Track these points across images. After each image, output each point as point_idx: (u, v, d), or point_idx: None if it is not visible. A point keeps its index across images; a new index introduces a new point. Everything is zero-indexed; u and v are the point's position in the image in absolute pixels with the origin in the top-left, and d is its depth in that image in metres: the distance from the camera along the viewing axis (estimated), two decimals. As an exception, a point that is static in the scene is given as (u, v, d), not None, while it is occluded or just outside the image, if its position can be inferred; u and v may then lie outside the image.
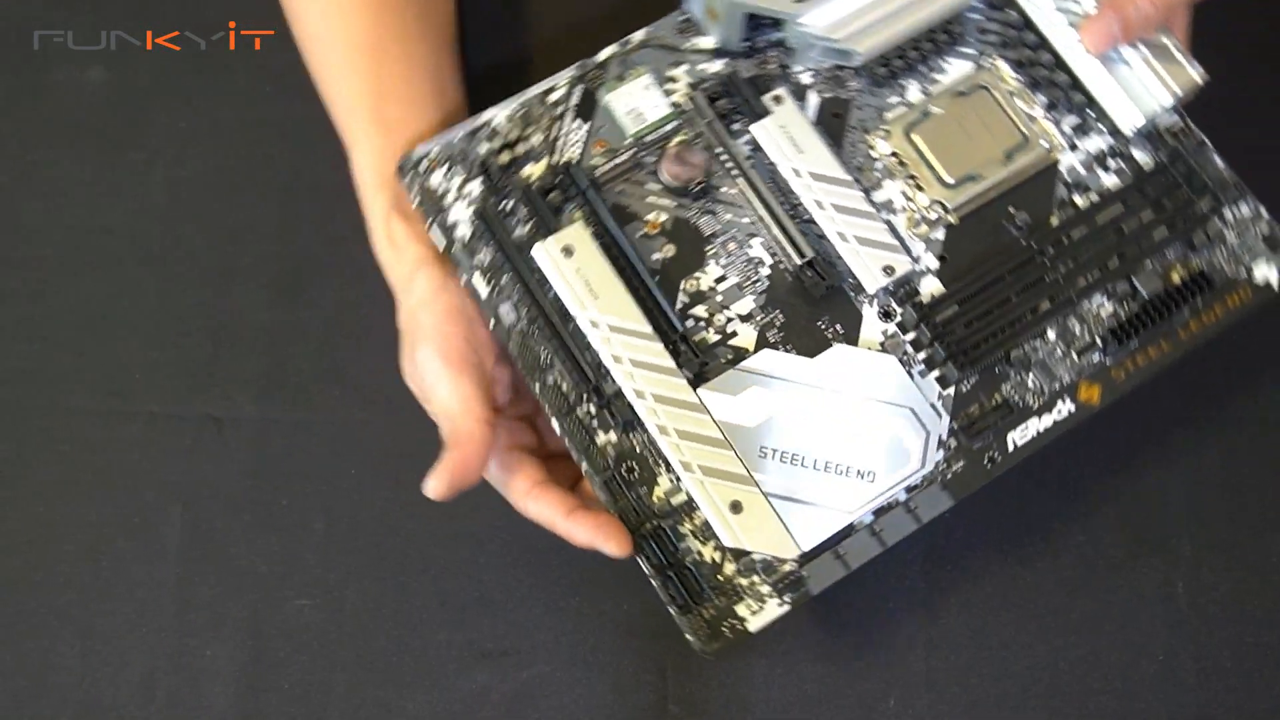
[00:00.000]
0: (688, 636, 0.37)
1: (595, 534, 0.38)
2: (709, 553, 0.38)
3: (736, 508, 0.37)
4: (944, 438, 0.39)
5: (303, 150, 0.54)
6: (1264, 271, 0.41)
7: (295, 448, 0.49)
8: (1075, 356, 0.40)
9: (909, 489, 0.38)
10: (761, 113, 0.40)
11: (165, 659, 0.47)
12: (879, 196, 0.41)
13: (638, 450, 0.38)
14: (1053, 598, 0.47)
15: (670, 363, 0.37)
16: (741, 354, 0.39)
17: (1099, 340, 0.40)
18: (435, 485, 0.39)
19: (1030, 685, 0.46)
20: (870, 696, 0.46)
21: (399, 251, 0.42)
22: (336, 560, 0.48)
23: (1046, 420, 0.39)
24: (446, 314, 0.40)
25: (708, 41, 0.42)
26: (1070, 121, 0.42)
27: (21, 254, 0.52)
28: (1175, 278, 0.41)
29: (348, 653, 0.47)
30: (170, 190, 0.53)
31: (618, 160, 0.40)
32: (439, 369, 0.40)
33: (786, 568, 0.38)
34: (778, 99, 0.41)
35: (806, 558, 0.37)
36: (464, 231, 0.40)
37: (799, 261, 0.39)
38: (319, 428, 0.50)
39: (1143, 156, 0.42)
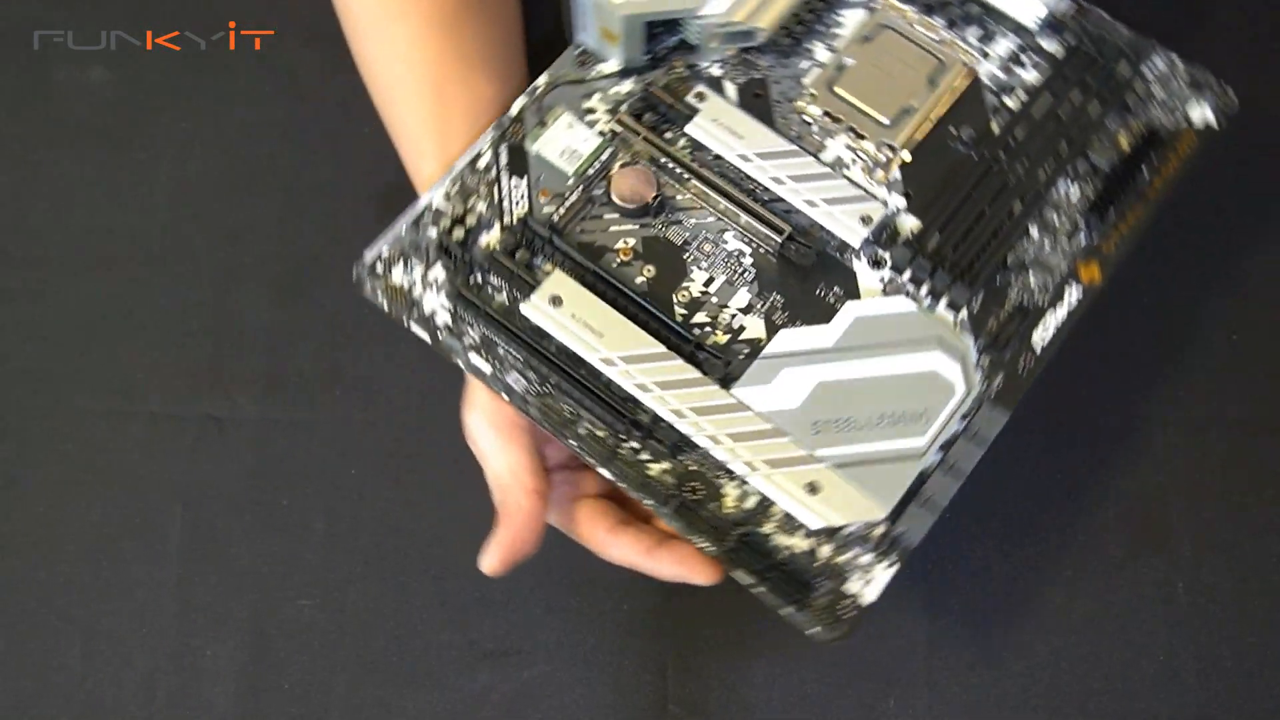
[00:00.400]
0: (811, 631, 0.37)
1: (679, 567, 0.38)
2: (800, 543, 0.37)
3: (813, 489, 0.36)
4: (977, 358, 0.39)
5: (304, 151, 0.54)
6: (1199, 113, 0.43)
7: (296, 448, 0.50)
8: (1064, 243, 0.41)
9: (964, 417, 0.38)
10: (690, 113, 0.41)
11: (166, 659, 0.47)
12: (828, 156, 0.41)
13: (694, 469, 0.38)
14: (1053, 598, 0.47)
15: (696, 373, 0.37)
16: (758, 344, 0.39)
17: (1079, 222, 0.41)
18: (490, 562, 0.39)
19: (1030, 685, 0.46)
20: (870, 696, 0.46)
21: None
22: (338, 560, 0.48)
23: (1060, 311, 0.40)
24: None
25: (611, 65, 0.42)
26: (974, 33, 0.43)
27: (25, 254, 0.53)
28: (1125, 144, 0.42)
29: (349, 653, 0.47)
30: (172, 191, 0.53)
31: (569, 202, 0.40)
32: (490, 436, 0.39)
33: (879, 530, 0.37)
34: (700, 96, 0.41)
35: (895, 513, 0.37)
36: (444, 318, 0.39)
37: (779, 239, 0.40)
38: (320, 428, 0.50)
39: (1052, 45, 0.43)
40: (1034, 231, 0.41)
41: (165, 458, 0.49)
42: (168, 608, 0.48)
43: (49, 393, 0.50)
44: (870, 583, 0.37)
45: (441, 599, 0.48)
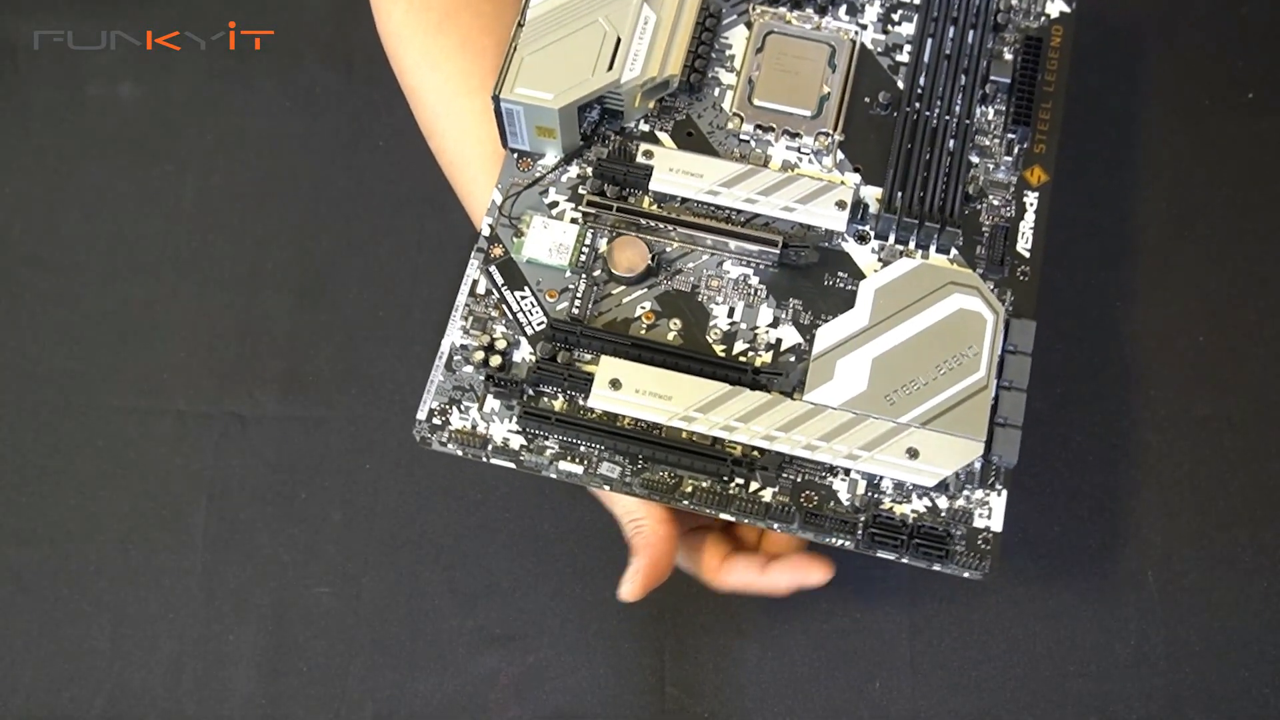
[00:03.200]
0: (965, 574, 0.39)
1: (794, 575, 0.40)
2: (919, 505, 0.39)
3: (914, 454, 0.38)
4: (989, 285, 0.41)
5: (322, 163, 0.56)
6: (1055, 6, 0.46)
7: (315, 444, 0.52)
8: (1005, 159, 0.44)
9: (1004, 339, 0.40)
10: (646, 171, 0.42)
11: (192, 643, 0.49)
12: (777, 163, 0.44)
13: (801, 480, 0.39)
14: (1030, 585, 0.49)
15: (766, 396, 0.39)
16: (800, 349, 0.41)
17: (1008, 136, 0.44)
18: (630, 589, 0.39)
19: (1009, 668, 0.48)
20: (857, 679, 0.48)
21: None
22: (354, 550, 0.50)
23: (1029, 217, 0.43)
24: None
25: (551, 158, 0.43)
26: (842, 10, 0.46)
27: (59, 261, 0.55)
28: (1009, 56, 0.45)
29: (364, 637, 0.49)
30: (198, 202, 0.55)
31: (577, 293, 0.41)
32: None
33: (978, 465, 0.40)
34: (648, 154, 0.43)
35: (986, 445, 0.39)
36: (518, 441, 0.40)
37: (777, 251, 0.42)
38: (337, 425, 0.52)
39: None
40: (975, 159, 0.44)
41: (191, 453, 0.52)
42: (193, 594, 0.50)
43: (82, 392, 0.53)
44: (992, 513, 0.39)
45: (451, 587, 0.50)
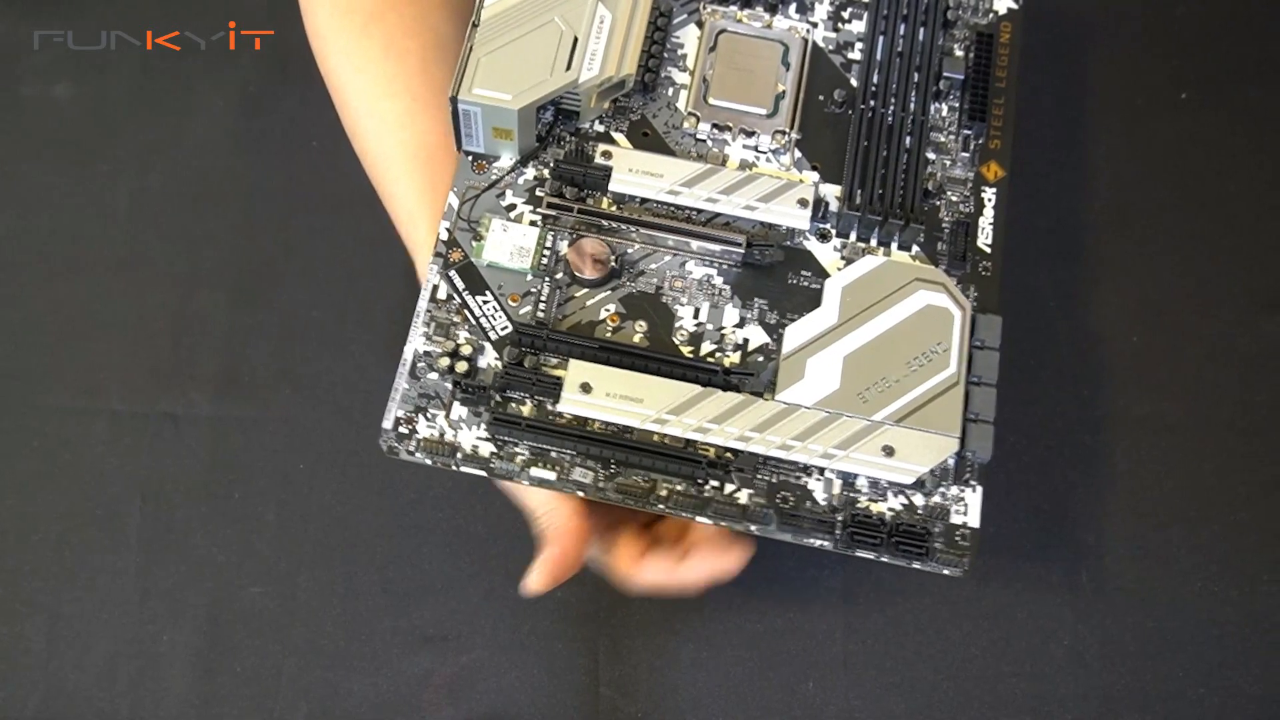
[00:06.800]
0: (944, 571, 0.39)
1: (707, 566, 0.39)
2: (894, 503, 0.39)
3: (890, 452, 0.38)
4: (954, 281, 0.41)
5: (260, 161, 0.56)
6: (1003, 3, 0.47)
7: (249, 444, 0.52)
8: (961, 155, 0.44)
9: (970, 334, 0.40)
10: (605, 172, 0.42)
11: (127, 644, 0.49)
12: (735, 162, 0.44)
13: (776, 480, 0.39)
14: (964, 586, 0.49)
15: (738, 397, 0.39)
16: (769, 349, 0.41)
17: (963, 132, 0.44)
18: (537, 581, 0.39)
19: (943, 668, 0.48)
20: (791, 680, 0.48)
21: None
22: (288, 550, 0.50)
23: (989, 213, 0.43)
24: None
25: (506, 160, 0.43)
26: (792, 9, 0.46)
27: None
28: (960, 52, 0.45)
29: (298, 637, 0.49)
30: (133, 201, 0.56)
31: (541, 297, 0.41)
32: None
33: (952, 461, 0.39)
34: (607, 154, 0.42)
35: (961, 440, 0.39)
36: (488, 448, 0.39)
37: (741, 250, 0.41)
38: (271, 425, 0.52)
39: None
40: (931, 155, 0.44)
41: (127, 453, 0.52)
42: (128, 595, 0.50)
43: (17, 391, 0.53)
44: (968, 508, 0.39)
45: (385, 587, 0.50)
